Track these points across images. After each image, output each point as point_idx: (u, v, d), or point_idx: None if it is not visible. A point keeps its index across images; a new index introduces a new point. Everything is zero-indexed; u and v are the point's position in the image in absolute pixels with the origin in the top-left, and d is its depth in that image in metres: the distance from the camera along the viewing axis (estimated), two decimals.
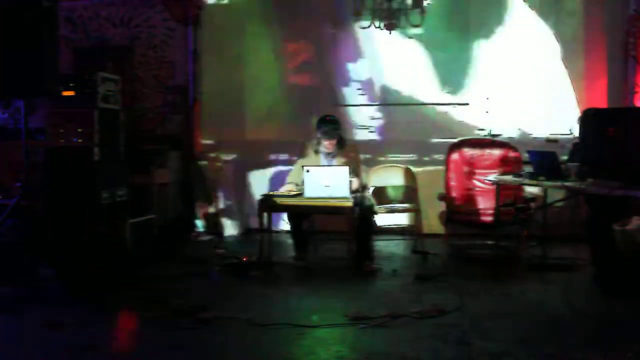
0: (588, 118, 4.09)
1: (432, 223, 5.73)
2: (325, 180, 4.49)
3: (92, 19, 6.79)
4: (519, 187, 5.12)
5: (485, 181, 5.33)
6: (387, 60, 6.33)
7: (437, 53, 6.23)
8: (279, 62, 6.58)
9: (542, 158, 4.29)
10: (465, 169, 5.67)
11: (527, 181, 4.29)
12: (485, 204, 5.40)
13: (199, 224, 5.63)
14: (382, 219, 5.49)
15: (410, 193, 5.63)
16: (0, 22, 4.33)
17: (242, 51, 6.61)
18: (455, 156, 5.69)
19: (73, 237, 4.43)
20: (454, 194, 5.56)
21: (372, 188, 5.46)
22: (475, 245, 5.45)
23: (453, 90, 6.22)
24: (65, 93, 5.10)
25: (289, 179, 5.09)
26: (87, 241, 4.34)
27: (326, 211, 4.84)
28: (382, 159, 6.20)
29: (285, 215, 4.97)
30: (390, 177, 5.77)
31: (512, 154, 5.57)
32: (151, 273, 4.52)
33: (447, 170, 5.69)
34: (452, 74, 6.22)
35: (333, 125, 4.89)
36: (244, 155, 6.65)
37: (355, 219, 4.64)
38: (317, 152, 4.96)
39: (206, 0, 6.64)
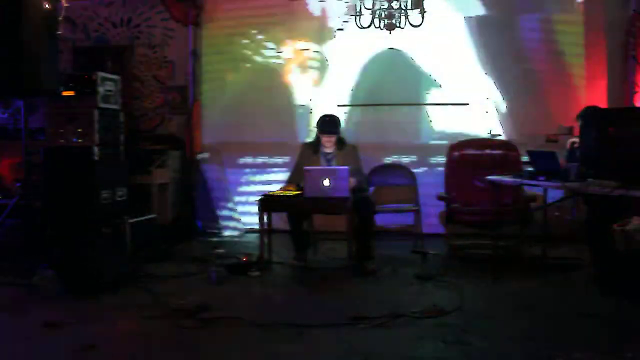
0: (588, 117, 4.09)
1: (432, 223, 5.73)
2: (325, 180, 4.49)
3: (92, 19, 6.80)
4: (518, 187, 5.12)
5: (485, 181, 5.32)
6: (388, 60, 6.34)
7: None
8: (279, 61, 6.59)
9: (542, 158, 4.28)
10: (465, 169, 5.66)
11: (527, 181, 4.28)
12: (485, 204, 5.39)
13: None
14: (382, 219, 5.49)
15: (410, 193, 5.62)
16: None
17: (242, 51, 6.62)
18: (455, 156, 5.68)
19: (73, 237, 4.43)
20: (454, 194, 5.54)
21: (372, 188, 5.46)
22: (475, 245, 5.44)
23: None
24: (65, 93, 5.11)
25: (288, 178, 5.08)
26: (87, 241, 4.34)
27: (326, 211, 4.84)
28: (383, 159, 6.20)
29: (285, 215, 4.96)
30: (390, 177, 5.76)
31: (512, 154, 5.56)
32: (151, 273, 4.51)
33: (447, 170, 5.68)
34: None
35: (333, 123, 4.91)
36: (243, 155, 6.64)
37: (355, 219, 4.64)
38: (316, 152, 4.97)
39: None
